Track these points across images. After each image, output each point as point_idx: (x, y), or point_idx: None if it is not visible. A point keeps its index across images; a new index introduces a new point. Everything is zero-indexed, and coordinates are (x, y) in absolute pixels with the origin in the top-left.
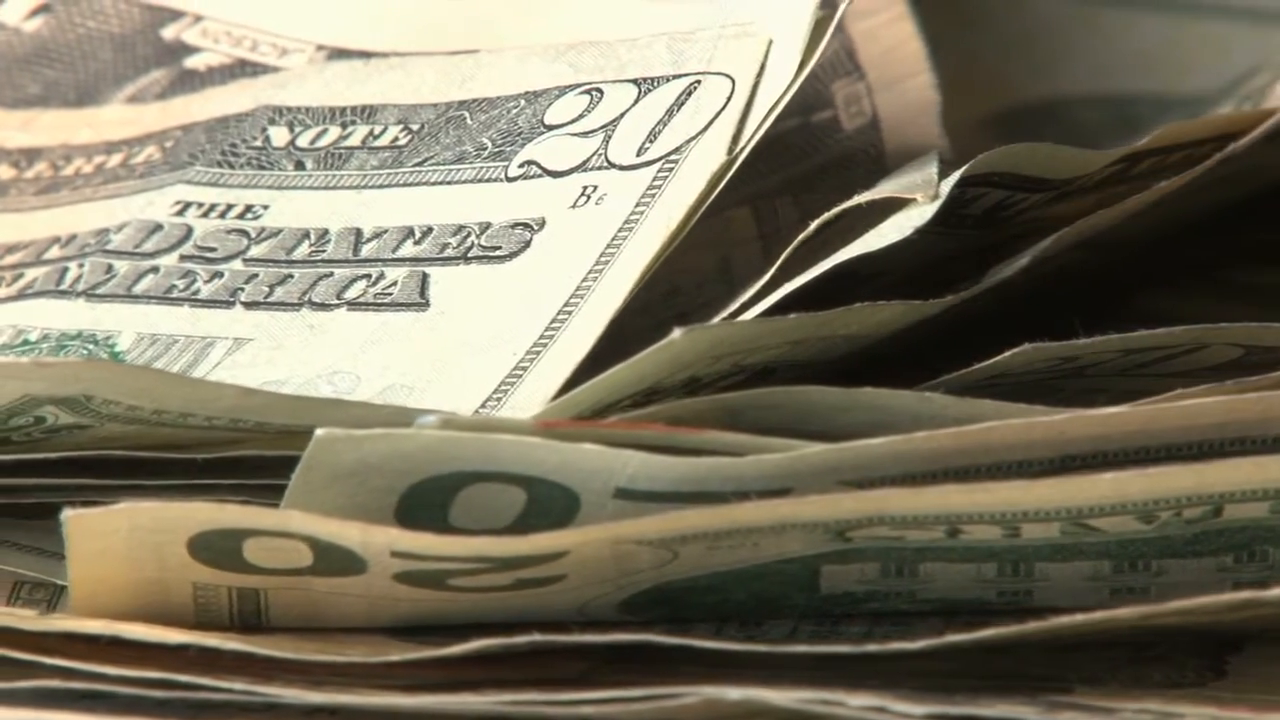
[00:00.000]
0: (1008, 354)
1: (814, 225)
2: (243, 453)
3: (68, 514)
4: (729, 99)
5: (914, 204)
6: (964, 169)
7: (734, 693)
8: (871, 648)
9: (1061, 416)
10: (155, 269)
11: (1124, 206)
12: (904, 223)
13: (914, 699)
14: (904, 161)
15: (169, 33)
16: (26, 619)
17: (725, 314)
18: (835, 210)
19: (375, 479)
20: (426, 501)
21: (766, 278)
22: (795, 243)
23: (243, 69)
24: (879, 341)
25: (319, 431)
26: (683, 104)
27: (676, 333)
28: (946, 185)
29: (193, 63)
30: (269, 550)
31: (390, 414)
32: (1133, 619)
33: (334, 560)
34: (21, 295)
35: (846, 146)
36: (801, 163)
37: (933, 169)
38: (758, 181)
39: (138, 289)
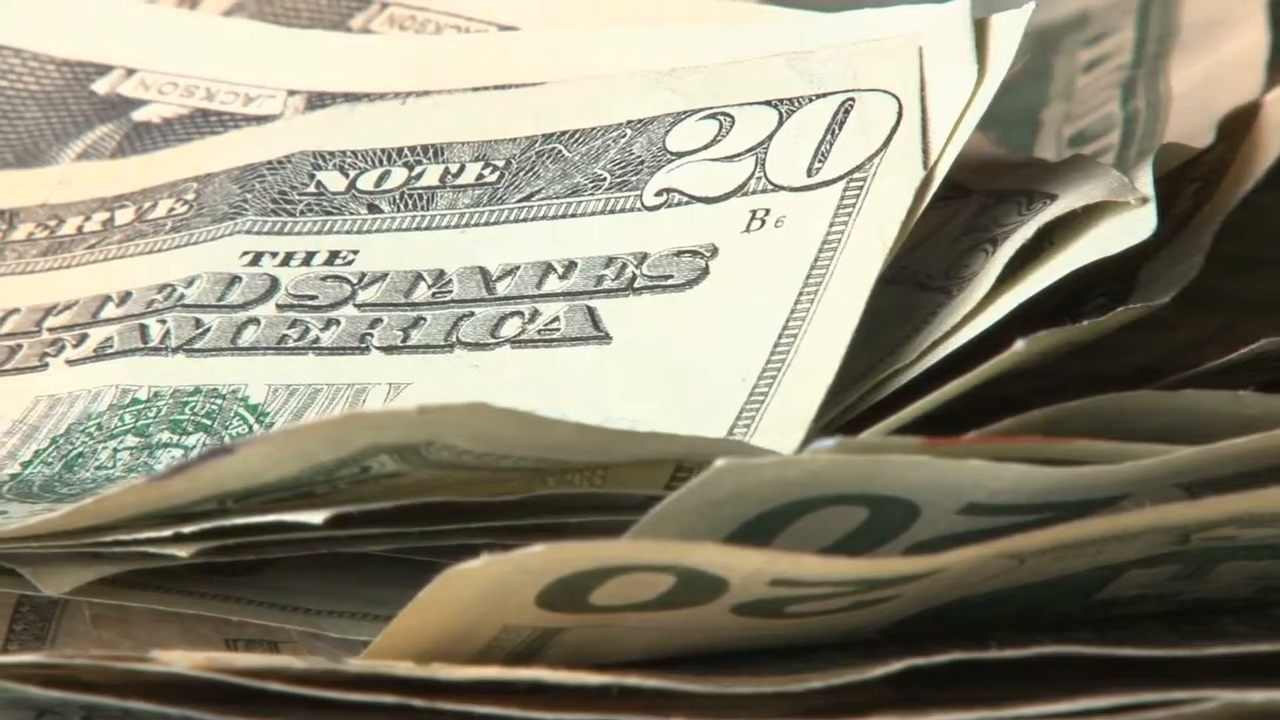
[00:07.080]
0: (1245, 350)
1: (1032, 233)
2: (581, 489)
3: (485, 558)
4: (899, 113)
5: (1126, 207)
6: (1150, 169)
7: (1256, 695)
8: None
9: None
10: (255, 320)
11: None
12: (1131, 228)
13: None
14: (971, 168)
15: (101, 87)
16: (443, 669)
17: (953, 323)
18: (1053, 215)
19: (732, 507)
20: (761, 528)
21: (988, 288)
22: (1013, 250)
23: (206, 118)
24: None
25: (719, 461)
26: (843, 122)
27: (1019, 344)
28: (1146, 186)
29: (143, 115)
30: (627, 586)
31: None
32: None
33: (692, 591)
34: (101, 355)
35: None
36: None
37: (1116, 172)
38: None
39: (243, 341)
